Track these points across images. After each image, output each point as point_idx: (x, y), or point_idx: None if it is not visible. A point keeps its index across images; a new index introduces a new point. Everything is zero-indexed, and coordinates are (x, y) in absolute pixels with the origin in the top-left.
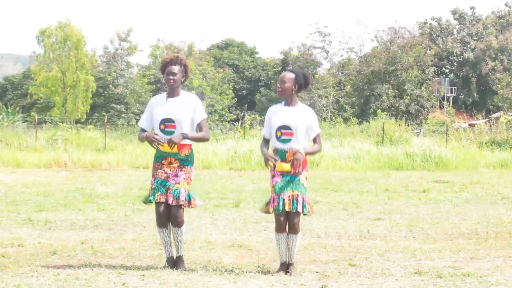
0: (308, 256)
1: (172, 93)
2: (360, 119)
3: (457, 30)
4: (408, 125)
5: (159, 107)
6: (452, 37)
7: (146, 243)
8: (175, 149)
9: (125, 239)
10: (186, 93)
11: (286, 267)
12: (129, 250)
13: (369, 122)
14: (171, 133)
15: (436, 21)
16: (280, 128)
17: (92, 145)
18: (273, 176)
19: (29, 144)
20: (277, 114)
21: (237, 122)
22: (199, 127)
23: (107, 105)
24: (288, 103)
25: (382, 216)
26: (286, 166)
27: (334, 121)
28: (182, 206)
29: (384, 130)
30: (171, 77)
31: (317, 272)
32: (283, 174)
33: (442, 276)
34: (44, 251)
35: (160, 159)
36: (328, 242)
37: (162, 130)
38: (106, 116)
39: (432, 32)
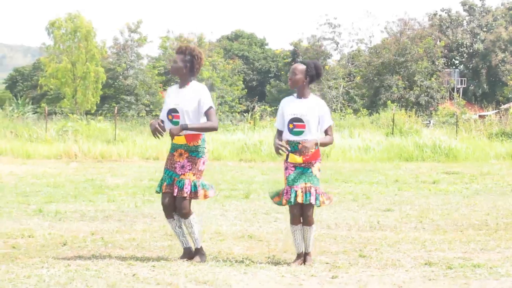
0: (319, 247)
1: (181, 83)
2: (370, 110)
3: (467, 22)
4: (418, 116)
5: (169, 97)
6: (462, 29)
7: (156, 234)
8: (182, 140)
9: (135, 230)
10: (195, 83)
11: (302, 257)
12: (139, 241)
13: (379, 113)
14: (177, 123)
15: (446, 13)
16: (292, 120)
17: (102, 136)
18: (286, 168)
19: (39, 135)
20: (289, 106)
21: (247, 113)
22: (206, 117)
23: (117, 97)
24: (300, 95)
25: (392, 207)
26: (299, 158)
27: (344, 112)
28: (186, 198)
29: (394, 121)
30: (171, 65)
31: (327, 263)
32: (295, 166)
33: (452, 267)
34: (54, 242)
35: (172, 150)
36: (338, 233)
37: (170, 121)
38: (116, 107)
39: (442, 23)
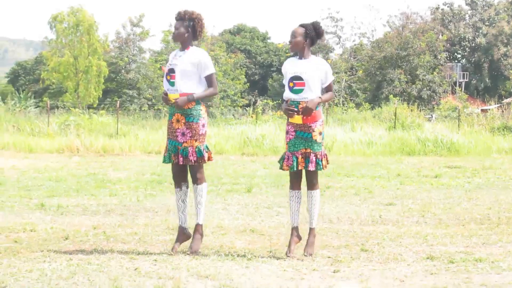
0: (320, 241)
1: (181, 48)
2: (372, 104)
3: (469, 16)
4: (420, 111)
5: (170, 60)
6: (464, 23)
7: (159, 228)
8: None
9: (137, 224)
10: (195, 47)
11: (296, 234)
12: (141, 235)
13: (381, 107)
14: (173, 83)
15: (448, 7)
16: (292, 78)
17: (104, 130)
18: (287, 132)
19: (41, 129)
20: (291, 66)
21: (249, 107)
22: (207, 81)
23: (119, 90)
24: (301, 57)
25: (394, 201)
26: (298, 118)
27: (346, 106)
28: (194, 164)
29: (396, 116)
30: (173, 32)
31: (329, 257)
32: (296, 130)
33: (454, 261)
34: (56, 236)
35: (170, 117)
36: (340, 227)
37: (168, 81)
38: (118, 101)
39: (444, 17)
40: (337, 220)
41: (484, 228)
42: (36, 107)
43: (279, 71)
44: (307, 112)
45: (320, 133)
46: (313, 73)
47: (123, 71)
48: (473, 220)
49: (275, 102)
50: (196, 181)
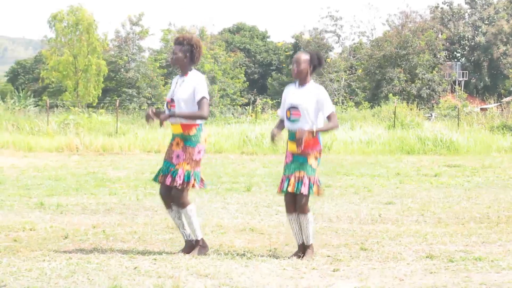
0: (320, 240)
1: (181, 73)
2: (371, 103)
3: (468, 14)
4: (419, 109)
5: (171, 87)
6: (463, 21)
7: (158, 227)
8: (178, 129)
9: (137, 223)
10: (194, 72)
11: (303, 249)
12: (140, 234)
13: (380, 106)
14: (174, 113)
15: (447, 5)
16: (289, 108)
17: (104, 129)
18: (285, 157)
19: (40, 128)
20: (289, 95)
21: (248, 106)
22: (198, 106)
23: (118, 89)
24: (300, 84)
25: (394, 200)
26: (294, 147)
27: (345, 105)
28: (178, 187)
29: (396, 114)
30: (170, 56)
31: (328, 256)
32: (293, 154)
33: (453, 260)
34: (56, 235)
35: (171, 140)
36: (339, 226)
37: (169, 110)
38: (117, 100)
39: (443, 16)
40: (336, 219)
41: (484, 227)
42: (35, 106)
43: (278, 70)
44: (298, 142)
45: (316, 159)
46: (309, 102)
47: (122, 70)
48: (472, 219)
49: (274, 101)
50: (180, 205)
